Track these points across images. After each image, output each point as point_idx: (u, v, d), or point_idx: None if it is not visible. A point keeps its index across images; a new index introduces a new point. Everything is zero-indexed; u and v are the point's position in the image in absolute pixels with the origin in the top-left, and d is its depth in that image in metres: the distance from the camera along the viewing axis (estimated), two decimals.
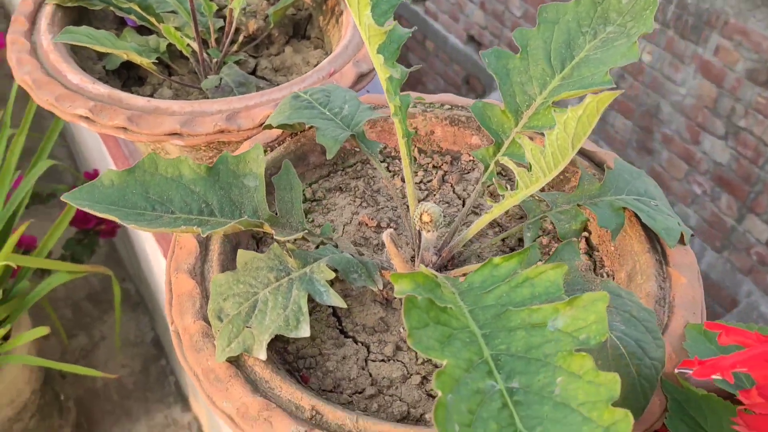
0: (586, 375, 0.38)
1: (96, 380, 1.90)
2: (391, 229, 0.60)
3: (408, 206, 0.71)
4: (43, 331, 1.39)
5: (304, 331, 0.56)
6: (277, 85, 0.95)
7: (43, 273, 1.61)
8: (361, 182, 0.78)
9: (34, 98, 0.80)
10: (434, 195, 0.78)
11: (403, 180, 0.79)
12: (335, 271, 0.60)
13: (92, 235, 1.74)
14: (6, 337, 1.41)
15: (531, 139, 0.62)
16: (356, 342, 0.64)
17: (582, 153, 0.77)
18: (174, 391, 1.93)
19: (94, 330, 2.03)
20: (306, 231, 0.63)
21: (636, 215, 0.69)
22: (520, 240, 0.74)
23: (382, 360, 0.63)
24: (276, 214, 0.64)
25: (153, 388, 1.93)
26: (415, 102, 0.82)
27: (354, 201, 0.76)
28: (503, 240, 0.73)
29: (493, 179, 0.65)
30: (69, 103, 0.78)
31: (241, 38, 0.99)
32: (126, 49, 0.80)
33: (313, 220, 0.75)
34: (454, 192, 0.79)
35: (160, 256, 1.50)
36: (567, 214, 0.67)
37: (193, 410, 1.88)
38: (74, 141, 2.36)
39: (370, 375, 0.61)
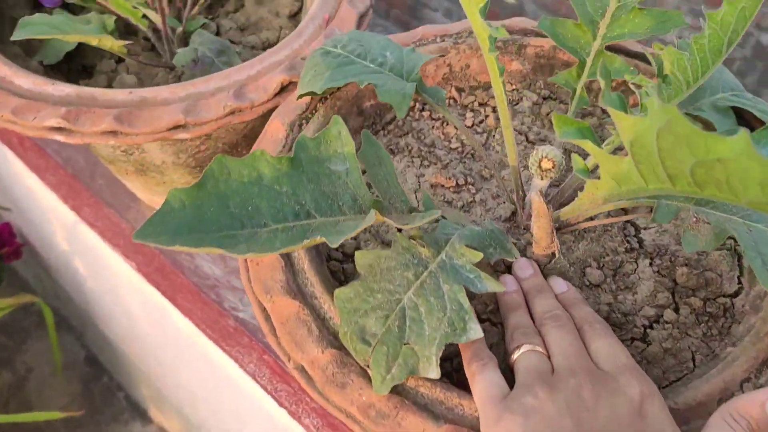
0: None
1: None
2: (539, 188, 0.50)
3: (474, 153, 0.61)
4: None
5: (476, 332, 0.46)
6: (251, 47, 0.80)
7: None
8: (410, 138, 0.67)
9: None
10: (493, 136, 0.68)
11: (452, 126, 0.68)
12: (474, 249, 0.50)
13: None
14: None
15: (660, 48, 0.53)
16: (494, 325, 0.55)
17: (633, 55, 0.69)
18: (127, 407, 1.75)
19: (17, 363, 1.79)
20: (413, 209, 0.52)
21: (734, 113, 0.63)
22: None
23: None
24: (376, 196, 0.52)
25: (102, 410, 1.74)
26: (441, 35, 0.71)
27: (412, 162, 0.65)
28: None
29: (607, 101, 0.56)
30: (33, 114, 0.61)
31: None
32: (92, 33, 0.63)
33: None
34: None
35: (89, 262, 1.32)
36: None
37: (155, 421, 1.72)
38: None
39: None
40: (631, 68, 0.58)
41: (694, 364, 0.53)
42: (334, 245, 0.42)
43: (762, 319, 0.52)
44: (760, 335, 0.51)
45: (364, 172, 0.54)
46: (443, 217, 0.56)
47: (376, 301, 0.47)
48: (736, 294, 0.57)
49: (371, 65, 0.60)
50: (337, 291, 0.47)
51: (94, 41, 0.64)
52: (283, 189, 0.48)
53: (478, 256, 0.48)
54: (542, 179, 0.54)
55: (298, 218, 0.47)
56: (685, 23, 0.56)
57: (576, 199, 0.50)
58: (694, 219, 0.50)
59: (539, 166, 0.53)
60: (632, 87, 0.53)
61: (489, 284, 0.47)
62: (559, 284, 0.54)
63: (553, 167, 0.53)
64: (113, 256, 1.00)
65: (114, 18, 0.73)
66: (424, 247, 0.49)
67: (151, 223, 0.44)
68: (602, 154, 0.40)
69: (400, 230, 0.51)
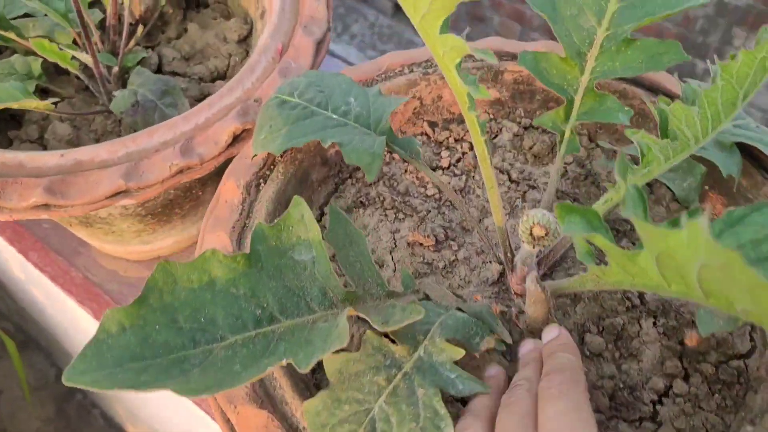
0: None
1: None
2: (535, 272, 0.44)
3: (453, 202, 0.55)
4: None
5: None
6: (199, 79, 0.72)
7: None
8: (382, 187, 0.60)
9: None
10: (472, 176, 0.62)
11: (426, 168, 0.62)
12: (456, 342, 0.44)
13: None
14: None
15: (669, 102, 0.47)
16: None
17: (625, 80, 0.63)
18: (104, 424, 1.68)
19: None
20: (389, 293, 0.46)
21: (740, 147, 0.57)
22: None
23: None
24: (346, 286, 0.45)
25: (79, 429, 1.68)
26: (408, 64, 0.64)
27: (385, 215, 0.58)
28: None
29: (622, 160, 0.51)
30: None
31: (128, 27, 0.74)
32: (12, 97, 0.55)
33: None
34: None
35: (46, 294, 1.24)
36: (679, 169, 0.54)
37: None
38: None
39: None
40: (626, 108, 0.52)
41: None
42: (304, 370, 0.36)
43: None
44: None
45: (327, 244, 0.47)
46: (426, 295, 0.50)
47: (344, 414, 0.41)
48: (749, 354, 0.52)
49: (334, 116, 0.53)
50: (305, 404, 0.41)
51: (14, 105, 0.56)
52: (241, 291, 0.41)
53: (459, 353, 0.42)
54: (534, 247, 0.47)
55: (260, 325, 0.41)
56: (686, 57, 0.50)
57: (576, 277, 0.44)
58: None
59: (530, 234, 0.47)
60: (631, 138, 0.47)
61: (471, 385, 0.42)
62: (551, 332, 0.47)
63: (546, 235, 0.47)
64: (68, 300, 0.93)
65: (40, 60, 0.65)
66: (396, 344, 0.43)
67: (84, 357, 0.37)
68: (617, 252, 0.34)
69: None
